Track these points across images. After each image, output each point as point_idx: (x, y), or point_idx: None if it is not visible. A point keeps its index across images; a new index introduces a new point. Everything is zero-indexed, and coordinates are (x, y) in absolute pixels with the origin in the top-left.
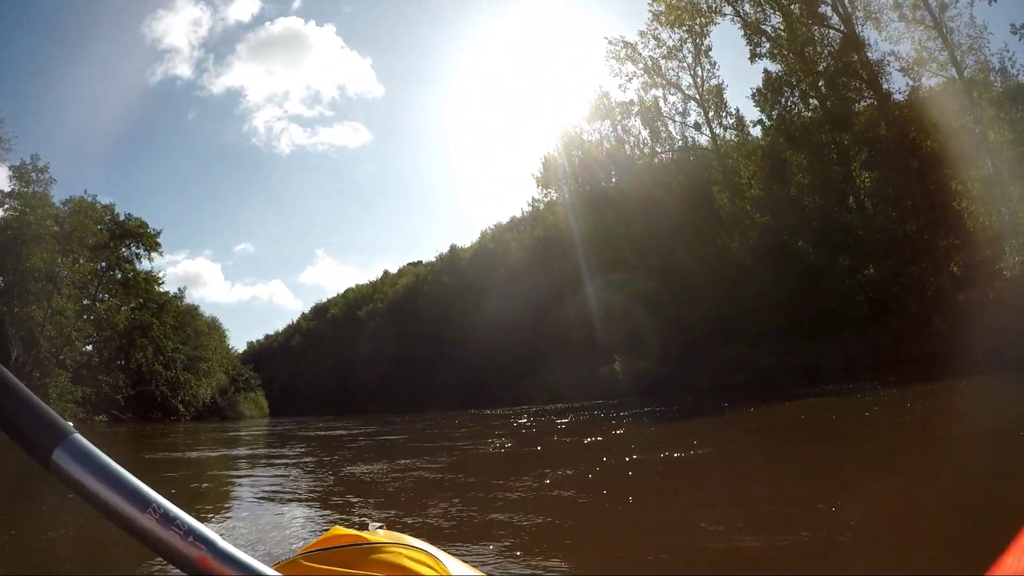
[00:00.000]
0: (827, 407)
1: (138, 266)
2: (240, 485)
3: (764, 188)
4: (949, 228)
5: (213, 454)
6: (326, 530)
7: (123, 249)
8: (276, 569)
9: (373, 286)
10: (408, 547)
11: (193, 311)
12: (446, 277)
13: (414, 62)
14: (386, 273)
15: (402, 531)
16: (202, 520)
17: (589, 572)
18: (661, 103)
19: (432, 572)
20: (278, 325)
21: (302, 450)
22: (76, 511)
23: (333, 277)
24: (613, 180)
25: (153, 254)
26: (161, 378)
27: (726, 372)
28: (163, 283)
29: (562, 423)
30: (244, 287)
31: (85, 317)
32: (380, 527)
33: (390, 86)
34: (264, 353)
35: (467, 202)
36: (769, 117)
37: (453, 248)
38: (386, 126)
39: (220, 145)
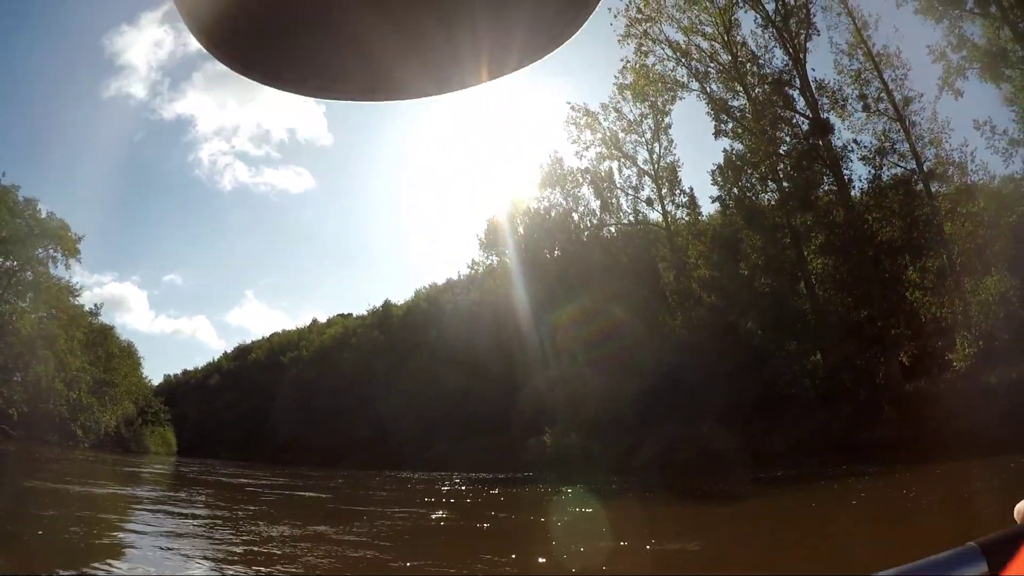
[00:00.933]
0: (793, 495)
1: (52, 270)
2: (127, 532)
3: (714, 268)
4: (901, 317)
5: (104, 491)
6: None
7: (39, 250)
8: None
9: (300, 333)
10: None
11: (107, 331)
12: (376, 332)
13: (367, 115)
14: (314, 321)
15: None
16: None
17: None
18: (616, 175)
19: None
20: (199, 362)
21: (204, 499)
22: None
23: (259, 321)
24: (556, 251)
25: (71, 261)
26: (60, 398)
27: (665, 450)
28: (79, 295)
29: (496, 494)
30: (168, 319)
31: None
32: None
33: (340, 136)
34: (180, 388)
35: (405, 260)
36: (728, 195)
37: (387, 303)
38: (331, 175)
39: (163, 171)
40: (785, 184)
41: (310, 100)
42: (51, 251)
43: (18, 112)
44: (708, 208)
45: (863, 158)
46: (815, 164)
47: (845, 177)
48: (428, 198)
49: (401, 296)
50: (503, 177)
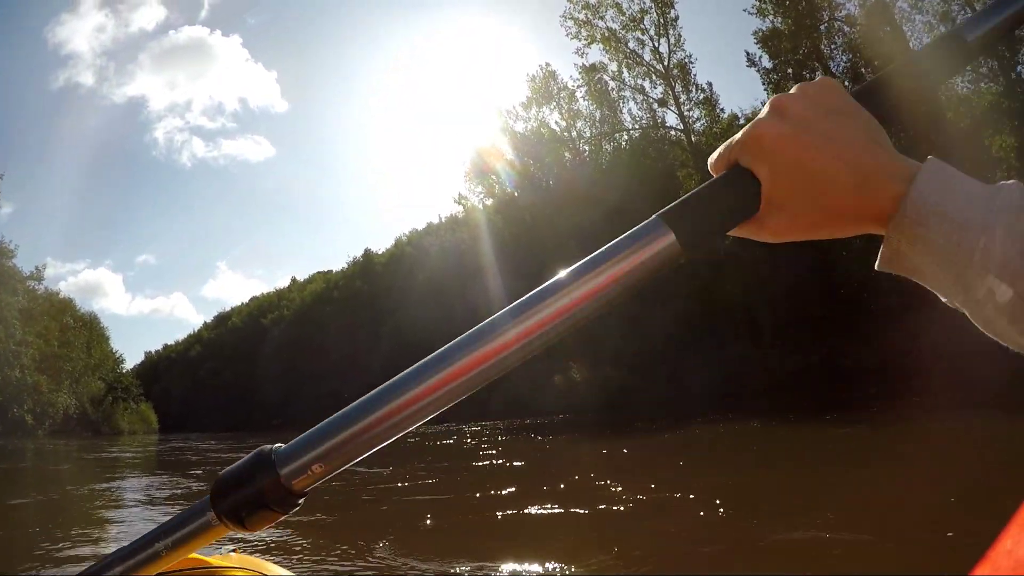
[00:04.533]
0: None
1: None
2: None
3: None
4: None
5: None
6: None
7: None
8: None
9: (279, 293)
10: (258, 575)
11: (56, 300)
12: (359, 282)
13: (321, 75)
14: (293, 280)
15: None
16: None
17: None
18: (625, 73)
19: None
20: (179, 338)
21: (174, 487)
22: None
23: (236, 291)
24: (551, 176)
25: None
26: None
27: (727, 378)
28: (13, 255)
29: (545, 442)
30: (145, 299)
31: None
32: (233, 551)
33: (295, 100)
34: (162, 364)
35: (381, 211)
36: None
37: (367, 253)
38: (290, 140)
39: (122, 155)
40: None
41: (259, 66)
42: None
43: None
44: (729, 106)
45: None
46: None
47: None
48: (401, 143)
49: (382, 246)
50: (485, 105)
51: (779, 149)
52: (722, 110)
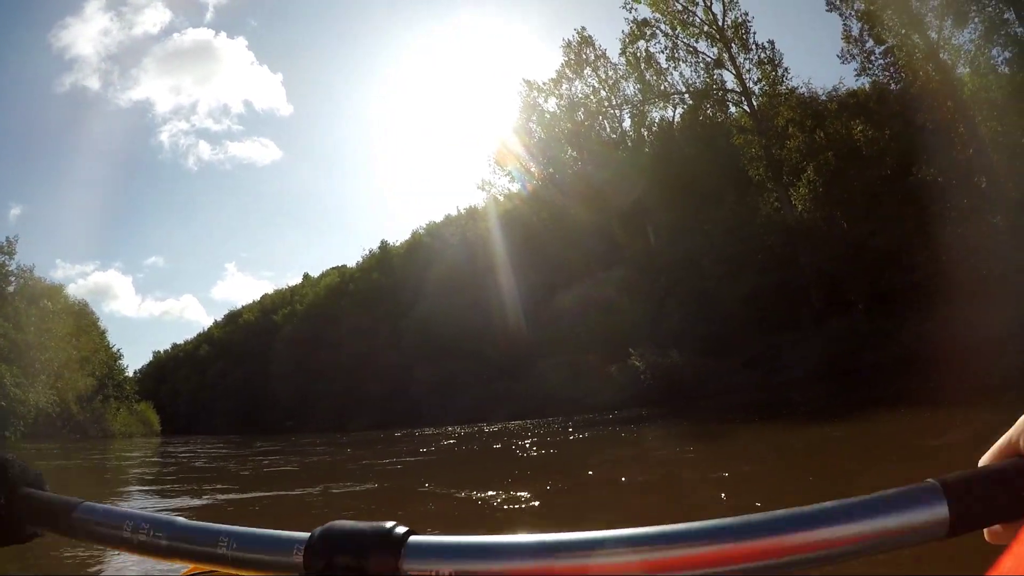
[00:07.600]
0: None
1: None
2: None
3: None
4: None
5: None
6: None
7: None
8: None
9: (292, 289)
10: None
11: (36, 283)
12: (376, 274)
13: (327, 75)
14: (306, 276)
15: None
16: None
17: None
18: (679, 32)
19: None
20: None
21: None
22: None
23: (246, 292)
24: (578, 163)
25: None
26: None
27: (839, 354)
28: None
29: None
30: (155, 301)
31: None
32: None
33: (301, 102)
34: (170, 364)
35: (394, 211)
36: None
37: (384, 245)
38: (298, 142)
39: (128, 158)
40: None
41: (264, 68)
42: None
43: None
44: (796, 66)
45: None
46: None
47: None
48: (417, 135)
49: (399, 239)
50: (514, 87)
51: None
52: (786, 70)
